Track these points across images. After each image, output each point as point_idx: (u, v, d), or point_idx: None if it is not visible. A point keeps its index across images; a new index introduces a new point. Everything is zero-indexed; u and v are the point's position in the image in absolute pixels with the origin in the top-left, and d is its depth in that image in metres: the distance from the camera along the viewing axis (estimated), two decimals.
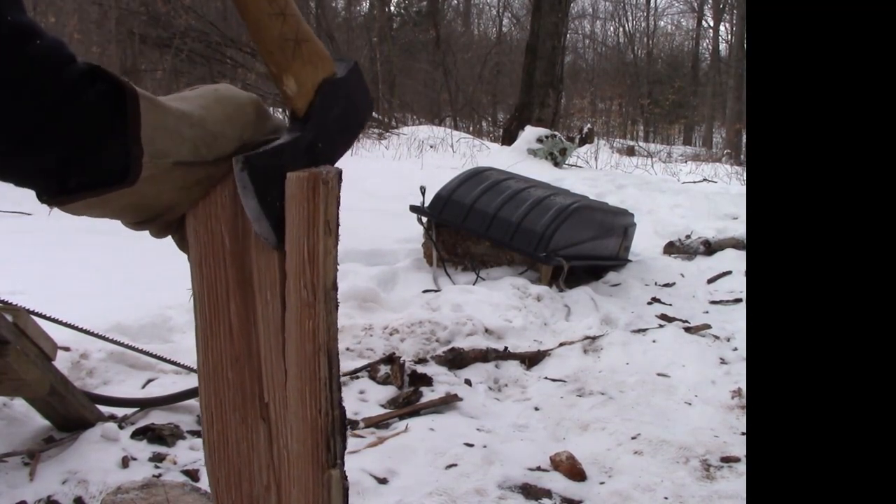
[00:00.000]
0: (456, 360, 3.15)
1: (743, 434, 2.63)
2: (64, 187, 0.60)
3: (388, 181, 6.74)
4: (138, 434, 2.30)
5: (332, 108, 0.73)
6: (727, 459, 2.44)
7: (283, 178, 0.67)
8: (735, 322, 4.00)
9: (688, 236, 5.86)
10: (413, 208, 4.63)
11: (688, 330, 3.82)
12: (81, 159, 0.58)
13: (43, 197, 0.61)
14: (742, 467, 2.38)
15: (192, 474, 2.12)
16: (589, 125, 12.74)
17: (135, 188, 0.60)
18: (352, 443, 2.41)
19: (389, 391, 2.84)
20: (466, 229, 4.52)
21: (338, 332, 0.67)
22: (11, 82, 0.54)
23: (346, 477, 0.69)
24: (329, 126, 0.73)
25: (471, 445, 2.42)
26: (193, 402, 2.52)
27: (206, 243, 0.69)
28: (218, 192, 0.68)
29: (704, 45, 31.28)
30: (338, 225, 0.66)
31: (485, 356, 3.23)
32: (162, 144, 0.61)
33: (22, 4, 0.56)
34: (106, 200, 0.61)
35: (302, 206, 0.65)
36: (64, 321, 2.49)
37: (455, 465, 2.29)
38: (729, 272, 5.03)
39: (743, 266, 4.95)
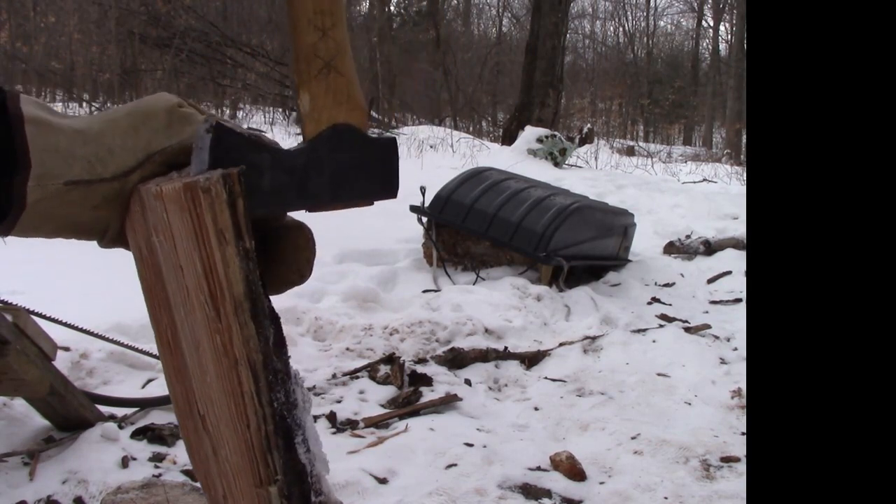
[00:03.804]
0: (456, 360, 3.15)
1: (743, 434, 2.63)
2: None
3: None
4: (138, 434, 2.30)
5: (338, 153, 0.71)
6: (727, 459, 2.44)
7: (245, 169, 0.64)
8: (735, 322, 4.00)
9: (688, 236, 5.86)
10: (413, 208, 4.64)
11: (688, 330, 3.83)
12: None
13: None
14: (742, 467, 2.38)
15: (192, 474, 2.12)
16: (589, 125, 12.74)
17: (37, 211, 0.60)
18: (352, 443, 2.41)
19: (389, 391, 2.84)
20: (466, 229, 4.52)
21: (258, 342, 0.63)
22: None
23: (289, 495, 0.66)
24: (325, 167, 0.70)
25: (471, 445, 2.42)
26: None
27: (138, 259, 0.68)
28: (132, 209, 0.66)
29: (704, 45, 31.31)
30: (240, 232, 0.61)
31: (485, 356, 3.23)
32: (51, 166, 0.60)
33: None
34: (27, 226, 0.61)
35: (185, 219, 0.61)
36: (64, 321, 2.49)
37: (455, 465, 2.29)
38: (729, 272, 5.04)
39: (743, 266, 4.95)
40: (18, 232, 0.61)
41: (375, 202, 0.76)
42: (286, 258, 0.68)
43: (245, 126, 0.79)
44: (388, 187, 0.76)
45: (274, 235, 0.67)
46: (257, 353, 0.64)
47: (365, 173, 0.73)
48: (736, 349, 3.60)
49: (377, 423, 2.58)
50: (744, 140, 16.53)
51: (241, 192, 0.61)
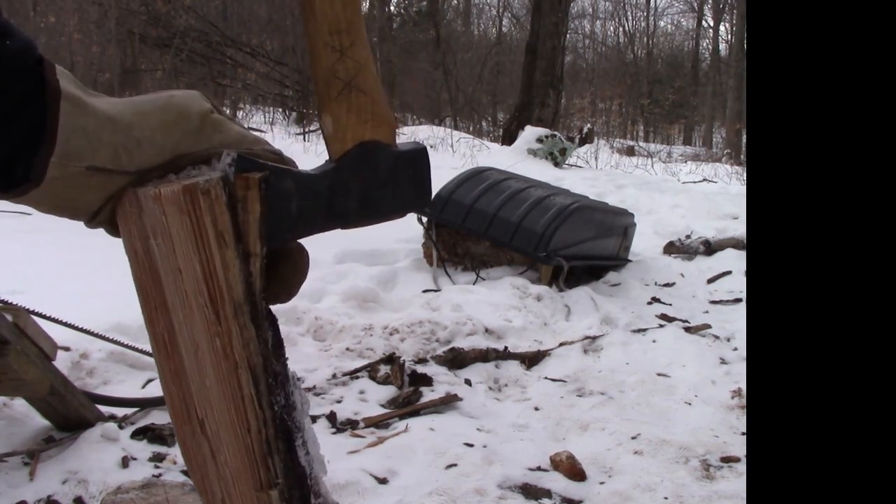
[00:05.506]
0: (456, 360, 3.15)
1: (743, 434, 2.63)
2: (4, 185, 0.59)
3: None
4: (138, 434, 2.30)
5: (366, 171, 0.70)
6: (727, 459, 2.44)
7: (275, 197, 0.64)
8: (735, 322, 4.00)
9: (688, 236, 5.86)
10: None
11: (688, 330, 3.82)
12: (18, 159, 0.58)
13: None
14: (742, 467, 2.38)
15: None
16: (589, 125, 12.75)
17: (47, 189, 0.58)
18: (352, 443, 2.41)
19: (389, 391, 2.84)
20: (466, 229, 4.52)
21: (258, 345, 0.63)
22: None
23: (290, 498, 0.66)
24: (351, 188, 0.69)
25: (471, 445, 2.42)
26: None
27: (132, 260, 0.67)
28: (127, 208, 0.64)
29: (704, 45, 31.32)
30: (240, 235, 0.61)
31: (485, 356, 3.23)
32: (76, 146, 0.58)
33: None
34: (32, 199, 0.59)
35: (184, 222, 0.60)
36: (64, 321, 2.49)
37: (455, 465, 2.29)
38: (729, 272, 5.04)
39: (743, 266, 4.95)
40: (18, 201, 0.59)
41: (408, 212, 0.75)
42: (283, 278, 0.68)
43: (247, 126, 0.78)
44: (420, 197, 0.74)
45: (277, 255, 0.67)
46: (257, 355, 0.63)
47: (395, 187, 0.72)
48: (736, 349, 3.60)
49: (377, 423, 2.58)
50: (744, 140, 16.53)
51: (254, 197, 0.61)
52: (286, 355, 0.67)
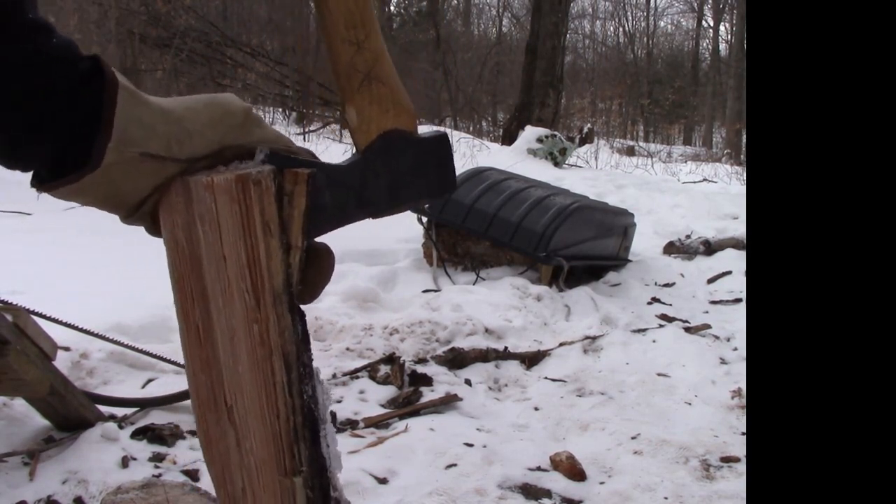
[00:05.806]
0: (456, 360, 3.15)
1: (743, 434, 2.63)
2: (54, 175, 0.62)
3: None
4: (138, 434, 2.30)
5: (391, 160, 0.72)
6: (727, 459, 2.44)
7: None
8: (735, 322, 4.00)
9: (688, 236, 5.86)
10: (413, 208, 4.63)
11: (688, 330, 3.82)
12: (73, 149, 0.61)
13: (34, 182, 0.64)
14: (742, 467, 2.38)
15: (192, 474, 2.12)
16: (589, 125, 12.75)
17: (102, 175, 0.62)
18: (352, 443, 2.41)
19: (389, 391, 2.84)
20: (466, 229, 4.52)
21: (293, 334, 0.66)
22: (28, 75, 0.59)
23: (312, 486, 0.68)
24: (380, 176, 0.72)
25: (471, 445, 2.42)
26: None
27: (172, 249, 0.70)
28: (173, 199, 0.67)
29: (704, 45, 31.32)
30: (284, 227, 0.65)
31: (485, 356, 3.23)
32: (132, 134, 0.62)
33: (37, 5, 0.61)
34: (83, 187, 0.62)
35: (234, 210, 0.64)
36: (64, 321, 2.49)
37: (455, 465, 2.29)
38: (729, 272, 5.04)
39: (743, 266, 4.95)
40: (67, 192, 0.62)
41: (436, 199, 0.78)
42: (309, 279, 0.70)
43: None
44: (445, 182, 0.77)
45: (307, 256, 0.69)
46: (291, 344, 0.66)
47: (421, 173, 0.75)
48: (736, 349, 3.60)
49: (377, 423, 2.58)
50: (744, 140, 16.53)
51: (301, 192, 0.65)
52: (311, 351, 0.69)
